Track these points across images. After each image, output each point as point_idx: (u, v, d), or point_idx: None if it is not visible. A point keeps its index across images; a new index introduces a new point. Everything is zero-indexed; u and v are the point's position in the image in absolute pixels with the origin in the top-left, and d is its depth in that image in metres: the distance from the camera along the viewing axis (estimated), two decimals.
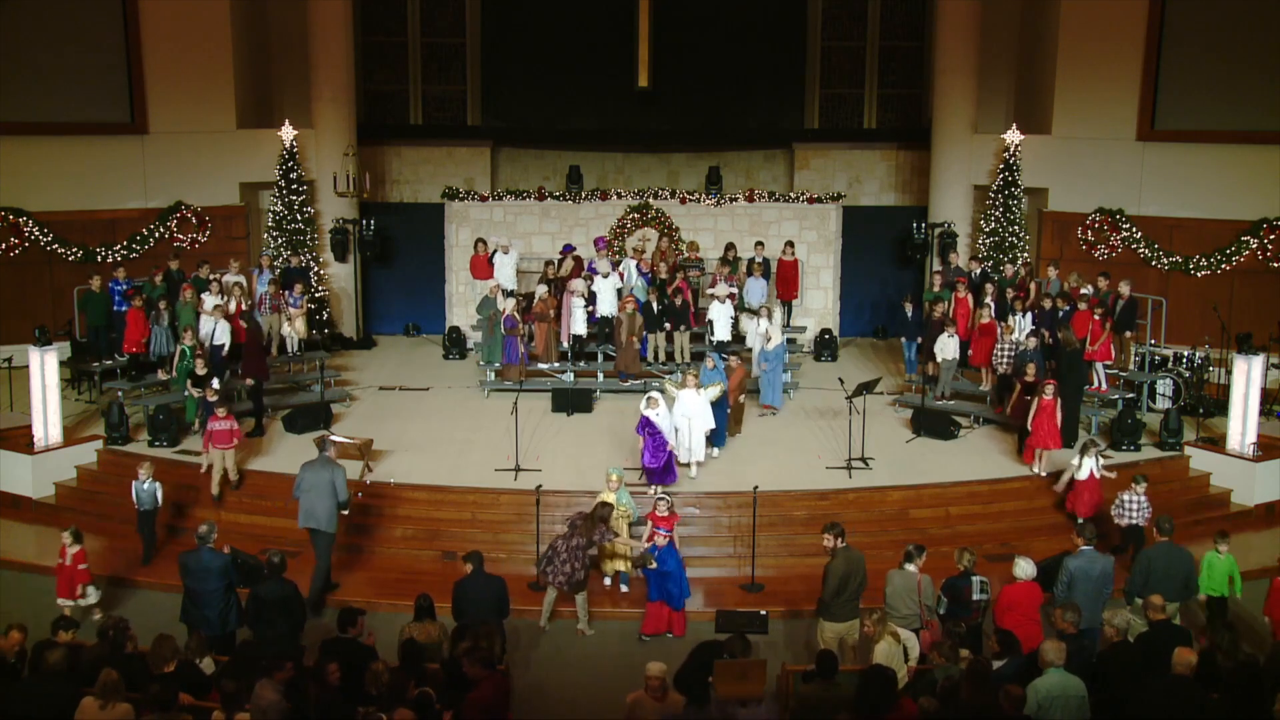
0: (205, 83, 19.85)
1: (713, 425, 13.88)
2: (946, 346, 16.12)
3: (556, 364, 17.30)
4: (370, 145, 21.13)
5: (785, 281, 18.68)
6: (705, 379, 14.11)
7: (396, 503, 13.50)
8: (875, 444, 14.76)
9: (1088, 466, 12.83)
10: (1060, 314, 15.86)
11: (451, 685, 8.39)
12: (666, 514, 11.55)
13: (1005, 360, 15.45)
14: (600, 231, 19.51)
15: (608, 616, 11.73)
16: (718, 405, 14.04)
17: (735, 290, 17.51)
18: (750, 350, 16.78)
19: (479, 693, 8.00)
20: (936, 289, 17.34)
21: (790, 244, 18.69)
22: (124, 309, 16.47)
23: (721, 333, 16.99)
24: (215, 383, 14.62)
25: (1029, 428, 14.13)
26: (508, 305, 16.69)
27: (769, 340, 15.87)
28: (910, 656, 9.18)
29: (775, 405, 16.14)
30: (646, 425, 13.02)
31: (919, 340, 17.09)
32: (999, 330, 15.69)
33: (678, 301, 17.14)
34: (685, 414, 13.52)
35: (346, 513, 12.05)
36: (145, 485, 12.68)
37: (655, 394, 13.35)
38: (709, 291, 17.49)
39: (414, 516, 13.43)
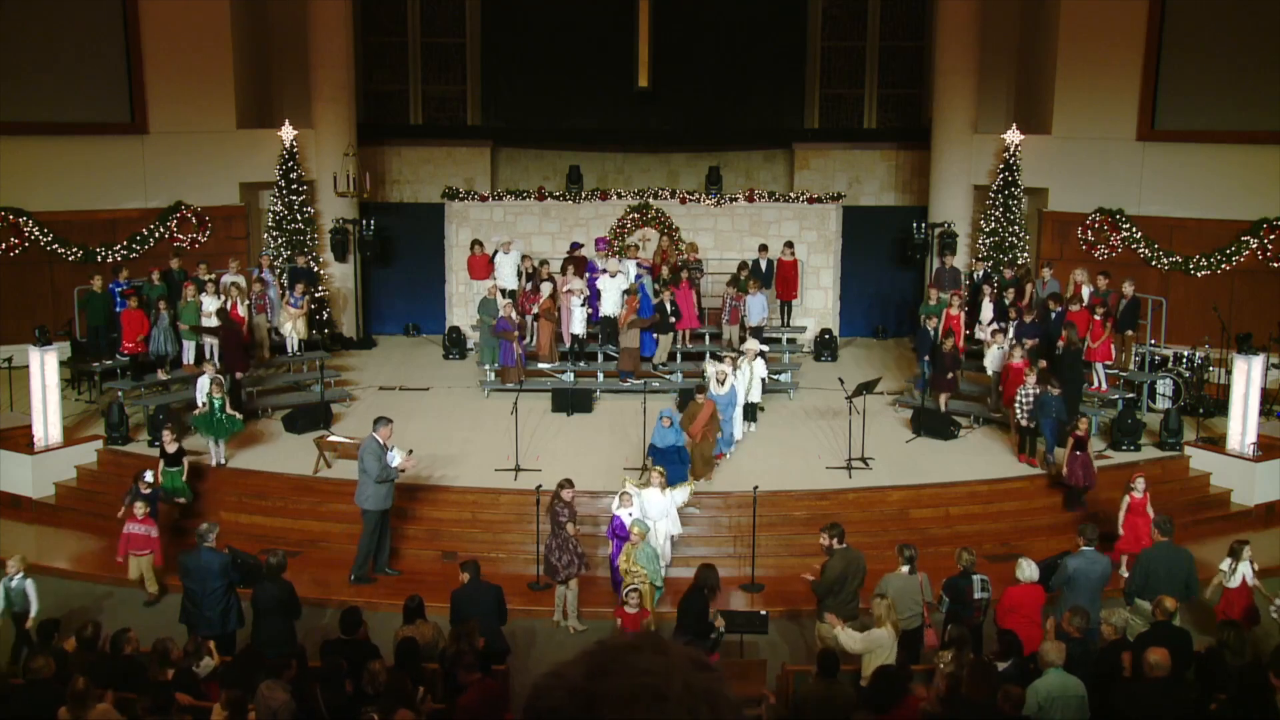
0: (205, 83, 19.84)
1: (680, 531, 12.46)
2: (996, 359, 15.57)
3: (556, 364, 17.29)
4: (370, 145, 21.11)
5: (785, 281, 18.60)
6: (659, 439, 13.03)
7: (396, 503, 13.47)
8: (875, 444, 14.75)
9: (1241, 573, 10.97)
10: (1053, 315, 15.80)
11: (449, 684, 8.41)
12: (635, 610, 10.43)
13: (1025, 412, 14.28)
14: (600, 231, 19.50)
15: (602, 617, 11.71)
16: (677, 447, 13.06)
17: (766, 349, 16.15)
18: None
19: (467, 697, 7.99)
20: (932, 301, 17.00)
21: (789, 244, 18.59)
22: (123, 309, 16.48)
23: (757, 394, 15.39)
24: (149, 475, 12.69)
25: (1119, 528, 12.31)
26: (502, 305, 16.67)
27: (722, 383, 14.41)
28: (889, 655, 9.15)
29: (723, 450, 14.46)
30: (617, 529, 11.56)
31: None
32: (1025, 376, 14.43)
33: (667, 305, 16.92)
34: (649, 517, 11.86)
35: (390, 479, 12.17)
36: (14, 583, 10.63)
37: (630, 489, 11.94)
38: (743, 348, 15.72)
39: (414, 516, 13.43)
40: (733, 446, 14.69)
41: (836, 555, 10.08)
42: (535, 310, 17.05)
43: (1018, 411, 14.36)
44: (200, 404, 14.26)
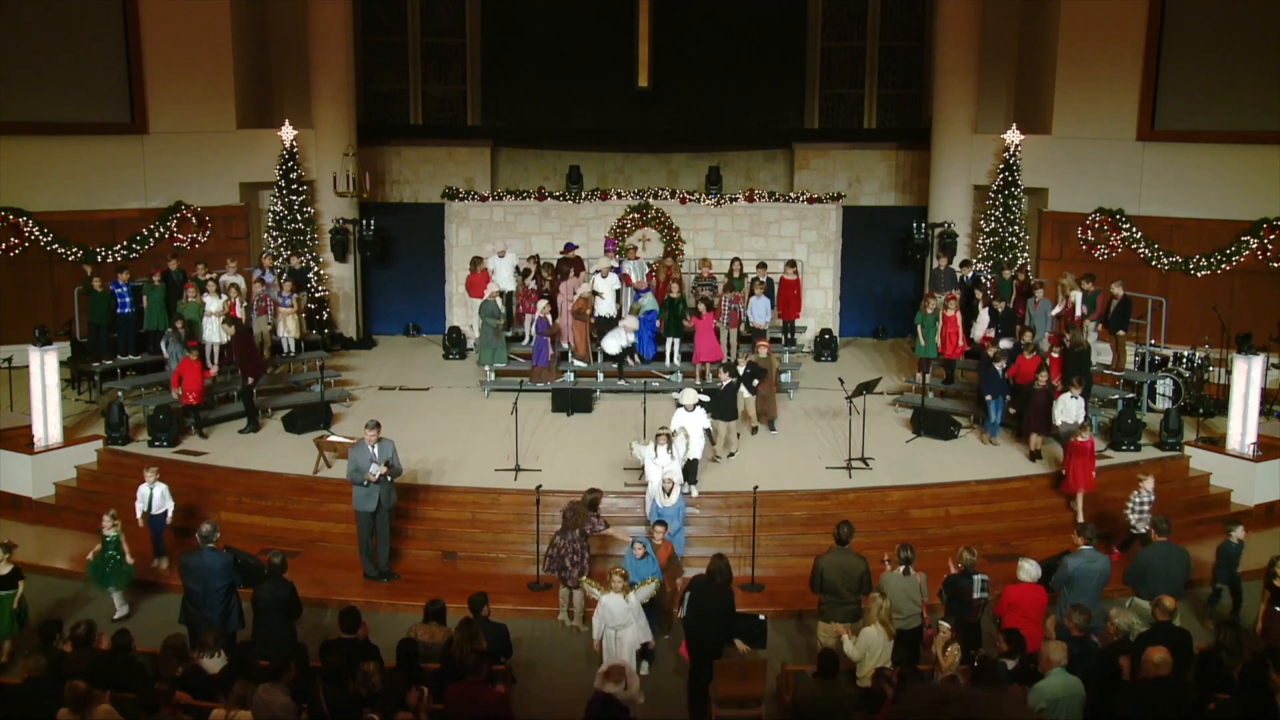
0: (205, 83, 19.86)
1: (649, 638, 10.36)
2: (1069, 409, 14.12)
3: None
4: (370, 145, 21.13)
5: (786, 301, 18.06)
6: (630, 567, 10.62)
7: (397, 503, 13.47)
8: (875, 444, 14.75)
9: None
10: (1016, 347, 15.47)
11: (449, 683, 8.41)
12: None
13: (1141, 515, 12.45)
14: (601, 231, 19.51)
15: None
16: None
17: (706, 398, 13.74)
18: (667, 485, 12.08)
19: (456, 688, 8.01)
20: (929, 311, 16.45)
21: (793, 263, 18.12)
22: (126, 311, 16.42)
23: (696, 450, 13.32)
24: None
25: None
26: (540, 306, 16.69)
27: (669, 491, 11.87)
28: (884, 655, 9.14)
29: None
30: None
31: (1007, 397, 15.08)
32: (1139, 483, 12.55)
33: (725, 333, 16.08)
34: (611, 624, 9.94)
35: (368, 482, 11.97)
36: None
37: (591, 591, 10.22)
38: (677, 398, 13.84)
39: (414, 516, 13.43)
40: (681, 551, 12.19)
41: (829, 554, 10.08)
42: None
43: (1131, 515, 12.52)
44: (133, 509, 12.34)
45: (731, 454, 14.56)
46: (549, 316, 16.57)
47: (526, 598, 12.12)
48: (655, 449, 12.35)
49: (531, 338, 17.75)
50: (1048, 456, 14.52)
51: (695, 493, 13.35)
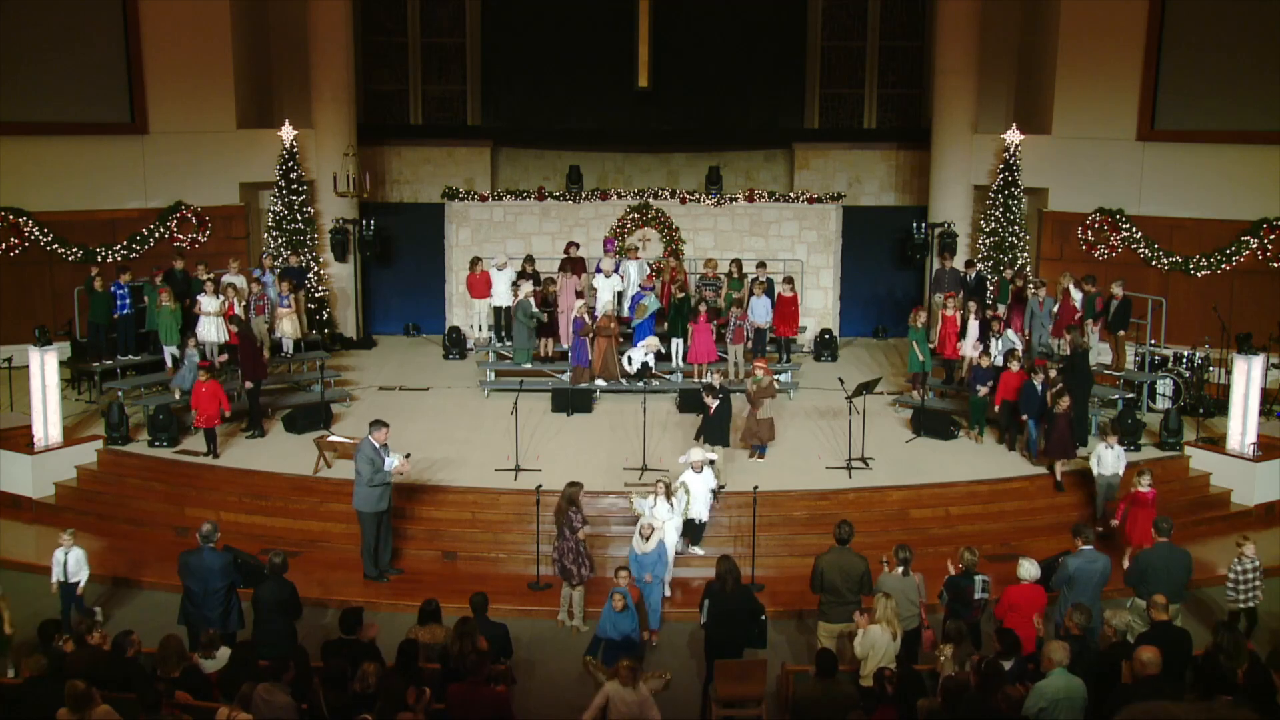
0: (205, 83, 19.86)
1: None
2: (1105, 460, 13.19)
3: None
4: (370, 145, 21.13)
5: (783, 317, 17.67)
6: (611, 627, 10.09)
7: (396, 503, 13.48)
8: (875, 444, 14.76)
9: None
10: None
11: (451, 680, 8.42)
12: None
13: (1247, 590, 10.93)
14: (601, 231, 19.51)
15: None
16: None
17: (714, 457, 13.00)
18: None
19: (457, 689, 8.01)
20: (918, 326, 15.99)
21: (789, 280, 17.85)
22: (125, 310, 16.42)
23: (699, 510, 12.38)
24: None
25: None
26: (577, 307, 16.61)
27: (647, 538, 11.12)
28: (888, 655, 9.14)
29: (654, 629, 11.31)
30: None
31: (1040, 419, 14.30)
32: (1240, 549, 11.00)
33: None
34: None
35: (382, 482, 12.00)
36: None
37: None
38: (680, 461, 12.79)
39: (414, 516, 13.44)
40: (658, 621, 11.36)
41: (829, 553, 10.08)
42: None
43: (1232, 589, 10.99)
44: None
45: (722, 486, 13.21)
46: (585, 316, 16.52)
47: (526, 598, 12.13)
48: (654, 500, 11.51)
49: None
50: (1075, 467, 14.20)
51: (701, 551, 12.68)
